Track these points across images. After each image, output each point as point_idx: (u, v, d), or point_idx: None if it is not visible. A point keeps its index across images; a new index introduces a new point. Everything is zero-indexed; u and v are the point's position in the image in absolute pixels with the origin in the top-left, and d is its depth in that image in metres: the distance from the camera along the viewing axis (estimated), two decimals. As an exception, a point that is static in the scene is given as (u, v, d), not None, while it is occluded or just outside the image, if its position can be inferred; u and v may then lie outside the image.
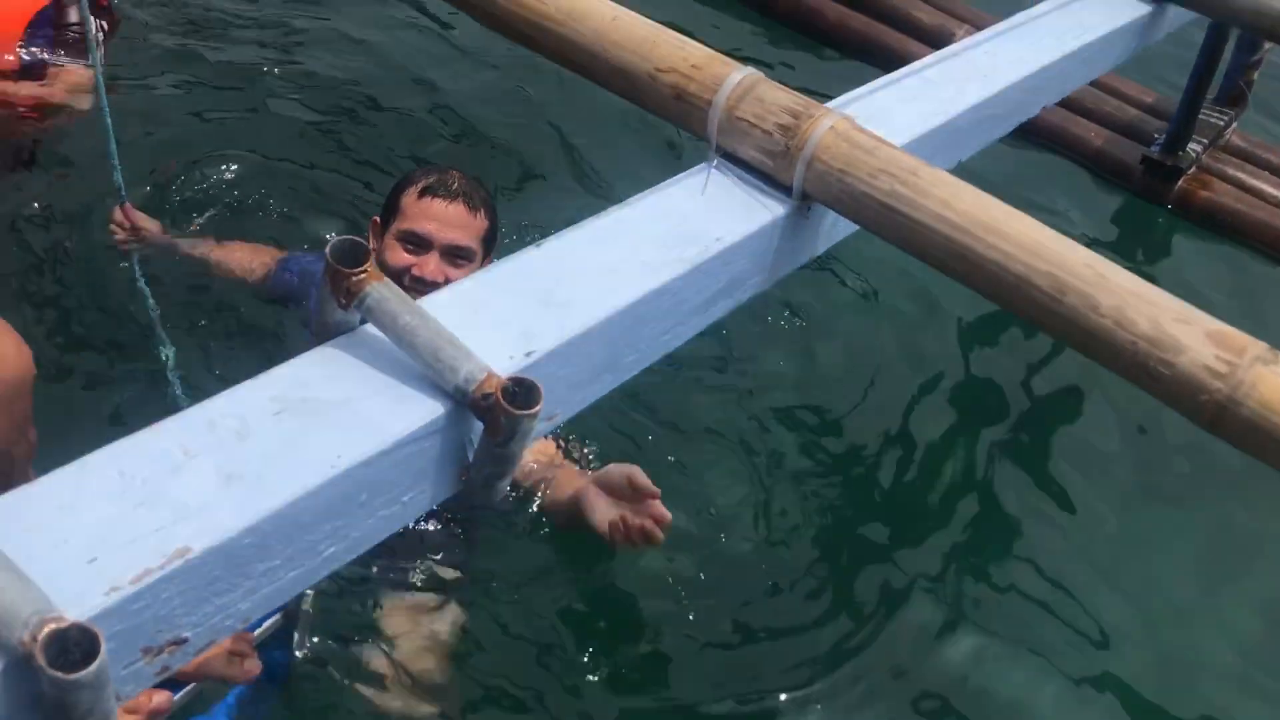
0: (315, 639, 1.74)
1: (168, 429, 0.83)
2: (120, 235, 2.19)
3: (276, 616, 1.55)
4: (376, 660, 1.78)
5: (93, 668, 0.64)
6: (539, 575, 1.91)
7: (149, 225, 2.21)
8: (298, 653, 1.67)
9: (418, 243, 1.88)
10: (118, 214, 2.17)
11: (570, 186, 2.74)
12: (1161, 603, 2.13)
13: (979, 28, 3.45)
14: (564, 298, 1.03)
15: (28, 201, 2.46)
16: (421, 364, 0.90)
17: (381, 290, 0.90)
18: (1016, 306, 1.07)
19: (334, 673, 1.74)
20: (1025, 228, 1.08)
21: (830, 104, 1.39)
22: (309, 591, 1.61)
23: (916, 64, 1.56)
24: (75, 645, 0.65)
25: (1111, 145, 3.17)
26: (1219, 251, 2.96)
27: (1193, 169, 3.06)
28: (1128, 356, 0.99)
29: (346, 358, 0.91)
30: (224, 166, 2.61)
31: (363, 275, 0.90)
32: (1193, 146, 3.05)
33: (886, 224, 1.14)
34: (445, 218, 1.87)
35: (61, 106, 2.58)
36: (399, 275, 1.84)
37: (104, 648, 0.64)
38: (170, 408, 0.85)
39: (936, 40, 3.39)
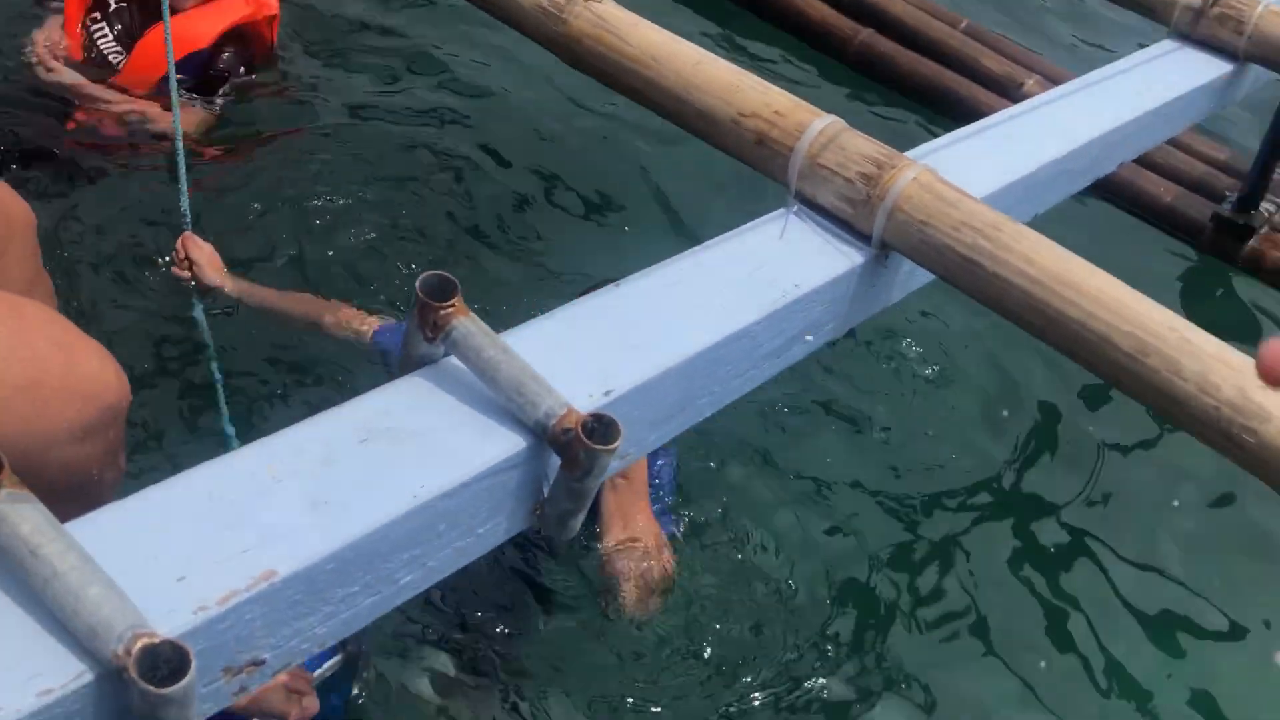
0: (374, 683, 1.74)
1: (256, 452, 0.84)
2: (179, 270, 2.15)
3: (337, 657, 1.54)
4: (432, 707, 1.78)
5: (183, 683, 0.65)
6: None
7: (205, 260, 2.14)
8: (356, 695, 1.65)
9: None
10: (179, 243, 2.13)
11: (652, 230, 2.74)
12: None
13: (1047, 77, 3.46)
14: (642, 338, 1.03)
15: (89, 215, 2.50)
16: (503, 398, 0.91)
17: (467, 325, 0.92)
18: (1096, 365, 1.06)
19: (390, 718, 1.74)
20: (1107, 286, 1.07)
21: (910, 153, 1.39)
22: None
23: (997, 116, 1.56)
24: (165, 661, 0.66)
25: (1181, 201, 3.13)
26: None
27: (1265, 228, 3.01)
28: (1211, 422, 0.98)
29: (431, 389, 0.93)
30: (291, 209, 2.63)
31: (450, 309, 0.92)
32: (1266, 206, 3.01)
33: (966, 276, 1.14)
34: None
35: (162, 134, 2.64)
36: None
37: (194, 666, 0.66)
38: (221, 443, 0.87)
39: (1005, 89, 3.38)
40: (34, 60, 2.70)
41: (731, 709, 1.88)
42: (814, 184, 1.24)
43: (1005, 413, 2.51)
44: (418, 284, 0.91)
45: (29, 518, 0.68)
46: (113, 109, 2.67)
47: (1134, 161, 3.11)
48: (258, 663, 0.78)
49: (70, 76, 2.66)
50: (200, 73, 2.72)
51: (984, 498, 2.34)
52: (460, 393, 0.93)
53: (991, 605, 2.13)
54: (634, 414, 1.00)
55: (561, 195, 2.81)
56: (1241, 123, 3.35)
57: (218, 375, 1.99)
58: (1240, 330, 2.87)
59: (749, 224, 1.25)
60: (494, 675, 1.86)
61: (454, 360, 0.94)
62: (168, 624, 0.71)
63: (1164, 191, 3.17)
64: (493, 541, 0.93)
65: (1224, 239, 3.02)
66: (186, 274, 2.14)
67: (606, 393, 0.97)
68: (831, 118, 1.26)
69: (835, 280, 1.19)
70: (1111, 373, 1.04)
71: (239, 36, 2.78)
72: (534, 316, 1.05)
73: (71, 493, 0.97)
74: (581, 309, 1.07)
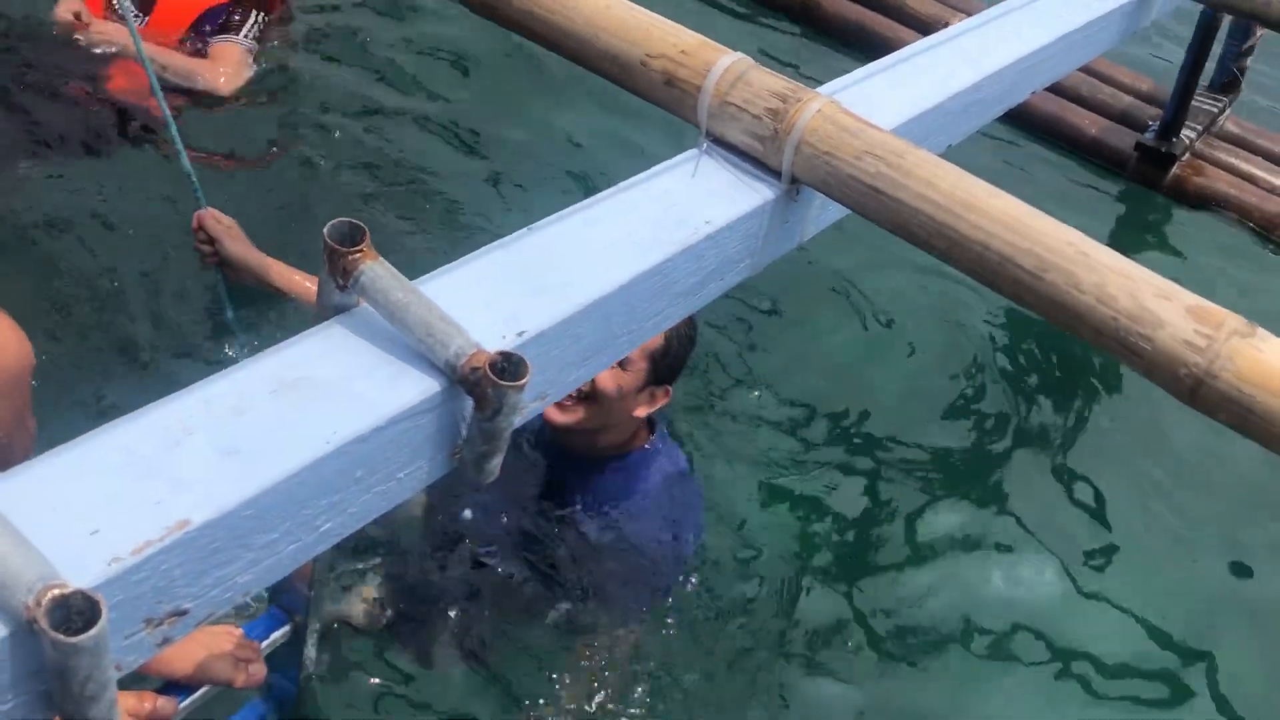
0: (325, 657, 1.73)
1: (167, 407, 0.85)
2: (203, 248, 2.09)
3: (285, 628, 1.54)
4: (389, 684, 1.79)
5: (93, 631, 0.65)
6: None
7: (226, 233, 2.08)
8: (305, 667, 1.64)
9: None
10: (195, 221, 2.07)
11: (565, 174, 2.76)
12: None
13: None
14: (556, 279, 1.04)
15: (97, 188, 2.48)
16: (414, 340, 0.92)
17: (376, 269, 0.92)
18: (999, 285, 1.08)
19: (345, 693, 1.74)
20: (1007, 206, 1.09)
21: (819, 89, 1.40)
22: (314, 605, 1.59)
23: (906, 50, 1.57)
24: (78, 613, 0.67)
25: (1107, 133, 3.19)
26: (1211, 235, 2.97)
27: (1187, 155, 3.07)
28: (1109, 332, 1.01)
29: (344, 337, 0.93)
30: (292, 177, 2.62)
31: (358, 254, 0.92)
32: (1187, 133, 3.07)
33: (872, 205, 1.16)
34: None
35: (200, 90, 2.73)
36: None
37: (105, 614, 0.66)
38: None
39: (933, 30, 3.40)
40: (66, 21, 2.76)
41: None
42: (723, 122, 1.25)
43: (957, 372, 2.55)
44: (325, 230, 0.92)
45: (-70, 476, 0.68)
46: (165, 60, 2.72)
47: (1060, 96, 3.16)
48: (180, 613, 0.79)
49: (113, 30, 2.72)
50: (221, 26, 2.82)
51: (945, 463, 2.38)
52: (373, 338, 0.94)
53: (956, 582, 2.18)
54: (550, 354, 1.01)
55: (477, 150, 2.80)
56: (1166, 51, 3.40)
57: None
58: (1162, 253, 2.93)
59: (661, 165, 1.25)
60: (437, 609, 1.88)
61: (367, 308, 0.95)
62: (81, 577, 0.71)
63: (1089, 124, 3.22)
64: (415, 485, 0.94)
65: (1148, 168, 3.08)
66: (209, 248, 2.08)
67: (520, 334, 0.98)
68: (738, 55, 1.27)
69: (747, 215, 1.20)
70: (1014, 291, 1.07)
71: None
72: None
73: None
74: (495, 254, 1.07)
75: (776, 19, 3.53)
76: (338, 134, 2.79)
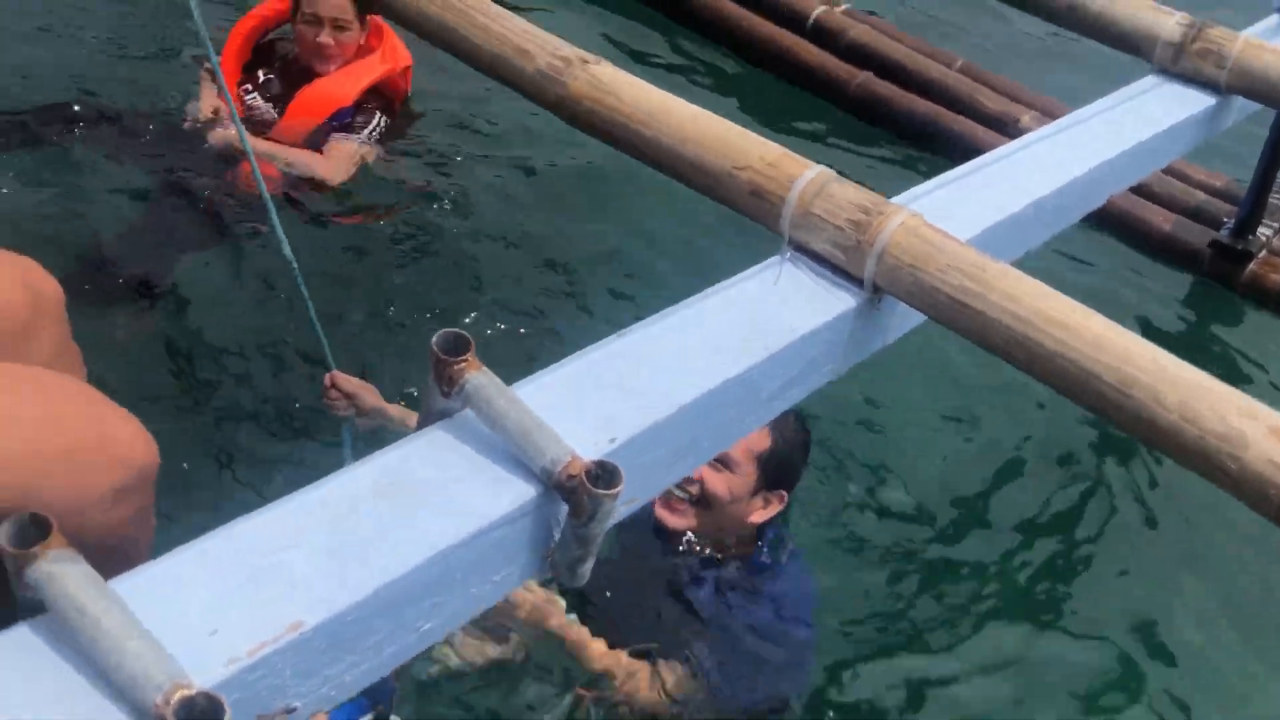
0: None
1: (280, 509, 0.89)
2: (337, 404, 2.09)
3: (368, 716, 1.56)
4: None
5: (218, 732, 0.69)
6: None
7: (359, 390, 2.08)
8: None
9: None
10: (328, 380, 2.08)
11: (648, 281, 2.80)
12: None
13: (1044, 112, 3.52)
14: (646, 385, 1.08)
15: (223, 283, 2.60)
16: (513, 447, 0.95)
17: (480, 378, 0.97)
18: (1082, 399, 1.10)
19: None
20: (1090, 322, 1.11)
21: (898, 198, 1.44)
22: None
23: (982, 158, 1.61)
24: (201, 712, 0.70)
25: (1180, 229, 3.18)
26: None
27: (1263, 252, 3.05)
28: (1195, 451, 1.02)
29: (446, 441, 0.97)
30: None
31: (463, 364, 0.97)
32: (1263, 231, 3.05)
33: (955, 316, 1.18)
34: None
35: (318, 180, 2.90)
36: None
37: (228, 714, 0.70)
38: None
39: (1002, 125, 3.45)
40: (202, 121, 2.97)
41: None
42: (806, 231, 1.29)
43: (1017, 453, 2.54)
44: (433, 341, 0.96)
45: (75, 576, 0.73)
46: (284, 155, 2.90)
47: (1132, 192, 3.16)
48: (289, 710, 0.83)
49: (243, 132, 2.86)
50: (345, 125, 3.00)
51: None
52: (475, 444, 0.98)
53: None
54: (639, 459, 1.04)
55: (564, 254, 2.87)
56: (1236, 149, 3.40)
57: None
58: (1241, 357, 2.90)
59: (746, 272, 1.29)
60: None
61: (469, 413, 0.99)
62: (203, 675, 0.75)
63: (1162, 220, 3.21)
64: (508, 587, 0.97)
65: (1223, 265, 3.06)
66: (342, 402, 2.08)
67: (611, 440, 1.01)
68: (820, 168, 1.31)
69: (830, 323, 1.24)
70: (1098, 406, 1.08)
71: (378, 90, 3.05)
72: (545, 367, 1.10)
73: (107, 552, 1.02)
74: (588, 359, 1.11)
75: (848, 116, 3.59)
76: (437, 237, 2.88)
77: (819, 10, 3.79)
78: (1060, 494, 2.48)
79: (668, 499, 1.95)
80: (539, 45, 1.54)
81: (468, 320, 2.59)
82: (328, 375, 2.10)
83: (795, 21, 3.79)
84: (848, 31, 3.72)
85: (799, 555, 2.05)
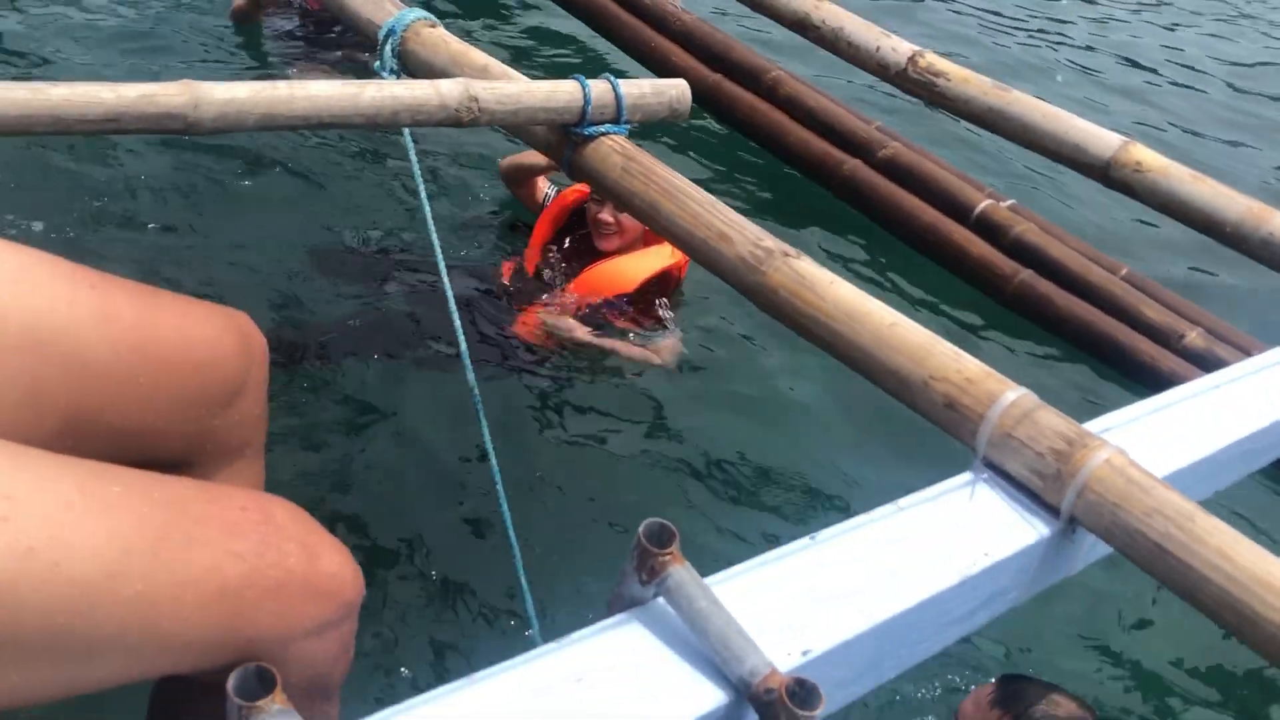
0: None
1: (472, 691, 0.89)
2: None
3: None
4: None
5: None
6: None
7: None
8: None
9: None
10: None
11: (835, 481, 2.77)
12: None
13: (1210, 330, 3.45)
14: (839, 598, 1.07)
15: None
16: (709, 649, 0.95)
17: (682, 573, 0.97)
18: (1298, 672, 1.05)
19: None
20: (1310, 591, 1.07)
21: (1096, 422, 1.42)
22: None
23: (1176, 391, 1.58)
24: None
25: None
26: None
27: None
28: None
29: (642, 632, 0.98)
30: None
31: (668, 556, 0.98)
32: None
33: (1157, 564, 1.15)
34: None
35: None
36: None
37: None
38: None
39: (1165, 338, 3.39)
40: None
41: None
42: (1003, 453, 1.28)
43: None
44: (640, 529, 0.98)
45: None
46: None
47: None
48: None
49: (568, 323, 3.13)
50: (626, 311, 3.19)
51: None
52: (669, 639, 0.98)
53: None
54: (828, 673, 1.03)
55: (751, 450, 2.86)
56: None
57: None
58: None
59: (938, 485, 1.28)
60: None
61: (662, 603, 1.00)
62: None
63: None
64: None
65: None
66: None
67: (805, 652, 1.00)
68: (1022, 390, 1.31)
69: (1023, 551, 1.21)
70: (1314, 682, 1.03)
71: (660, 280, 3.20)
72: (733, 563, 1.10)
73: (304, 684, 1.04)
74: (781, 561, 1.11)
75: (1005, 310, 3.58)
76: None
77: (984, 204, 3.82)
78: None
79: None
80: (741, 233, 1.59)
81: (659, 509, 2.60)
82: None
83: (960, 212, 3.83)
84: (1012, 228, 3.74)
85: None
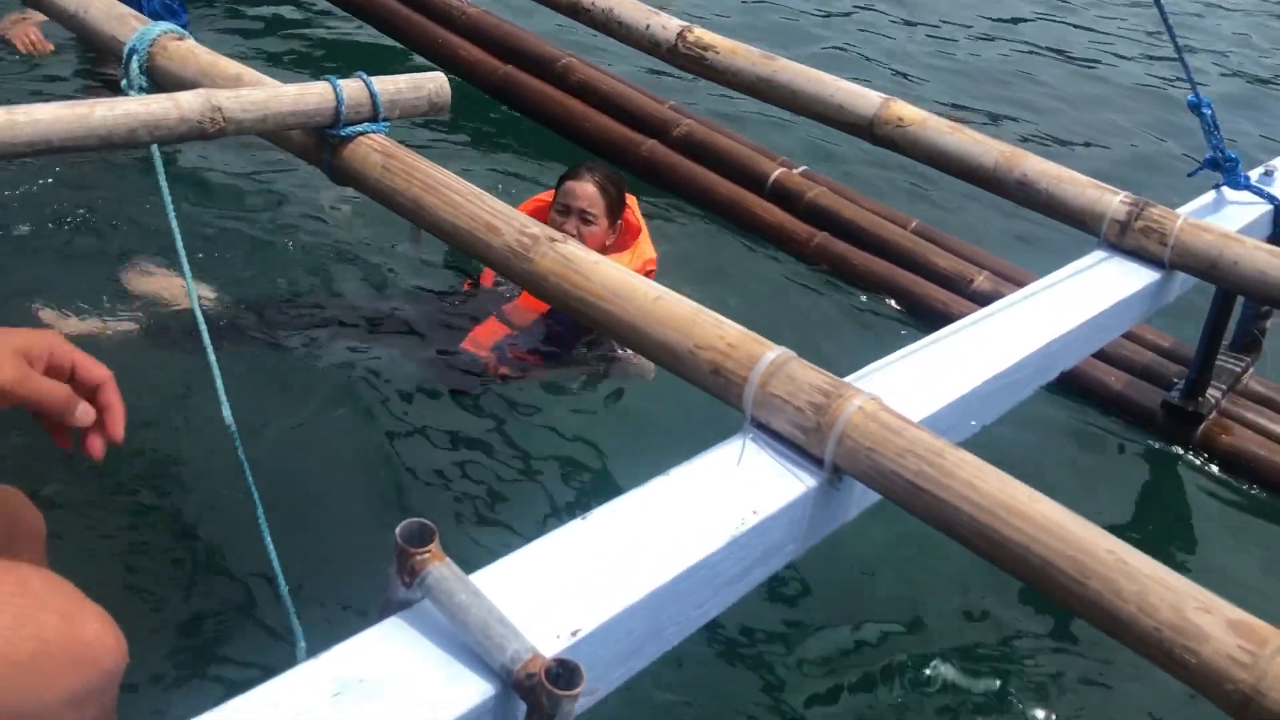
0: None
1: (228, 714, 0.87)
2: None
3: None
4: None
5: None
6: None
7: None
8: None
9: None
10: None
11: (611, 456, 2.79)
12: None
13: (996, 272, 3.62)
14: (608, 574, 1.08)
15: None
16: (473, 642, 0.94)
17: (442, 570, 0.96)
18: (1042, 587, 1.11)
19: None
20: (1049, 510, 1.13)
21: (855, 375, 1.47)
22: None
23: (938, 334, 1.65)
24: None
25: (1131, 389, 3.25)
26: (1240, 497, 2.98)
27: (1213, 414, 3.12)
28: (1153, 643, 1.03)
29: (406, 635, 0.96)
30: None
31: (427, 555, 0.96)
32: (1212, 392, 3.12)
33: (914, 500, 1.20)
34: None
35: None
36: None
37: None
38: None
39: (955, 285, 3.54)
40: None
41: None
42: (767, 411, 1.31)
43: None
44: (397, 531, 0.96)
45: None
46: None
47: (1083, 352, 3.24)
48: None
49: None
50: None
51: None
52: (434, 637, 0.97)
53: None
54: (602, 651, 1.04)
55: (530, 442, 2.85)
56: (1180, 307, 3.50)
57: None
58: (1194, 517, 2.93)
59: (707, 451, 1.31)
60: None
61: (428, 605, 0.98)
62: None
63: (1114, 380, 3.28)
64: (465, 787, 0.95)
65: (1175, 425, 3.12)
66: None
67: (574, 632, 1.00)
68: (780, 349, 1.34)
69: (792, 504, 1.25)
70: (1057, 595, 1.09)
71: None
72: (507, 552, 1.10)
73: None
74: (549, 544, 1.11)
75: (812, 269, 3.68)
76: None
77: (778, 172, 3.92)
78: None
79: None
80: (508, 222, 1.59)
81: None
82: None
83: (755, 181, 3.92)
84: (805, 193, 3.84)
85: None
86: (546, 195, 3.17)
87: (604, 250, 3.08)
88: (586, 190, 2.98)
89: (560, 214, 3.00)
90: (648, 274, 3.11)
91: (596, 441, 2.82)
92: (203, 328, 1.48)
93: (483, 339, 2.97)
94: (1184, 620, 1.02)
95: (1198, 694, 1.02)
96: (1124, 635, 1.05)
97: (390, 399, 2.82)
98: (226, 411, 1.46)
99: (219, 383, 1.47)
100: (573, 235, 2.91)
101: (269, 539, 1.15)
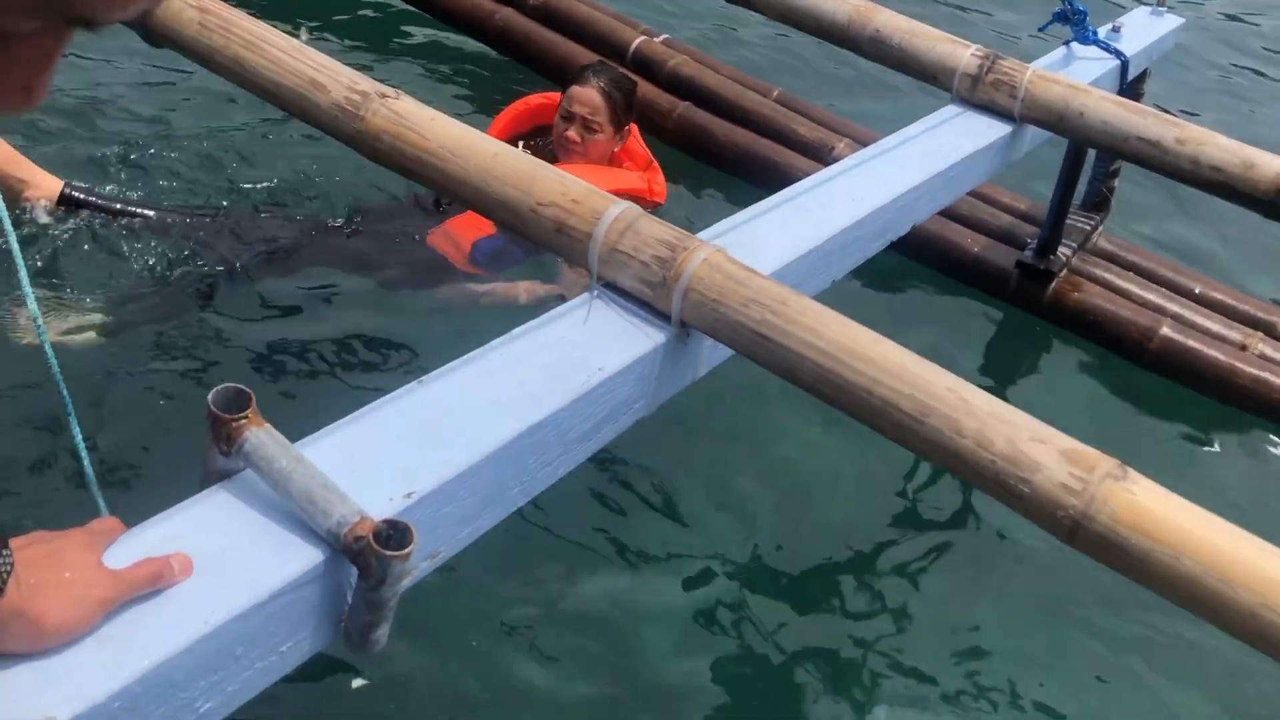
0: None
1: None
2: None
3: None
4: None
5: None
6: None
7: None
8: None
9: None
10: None
11: (461, 322, 2.72)
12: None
13: (857, 139, 3.63)
14: (447, 435, 1.04)
15: None
16: (297, 509, 0.90)
17: (260, 436, 0.91)
18: (884, 429, 1.11)
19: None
20: (890, 352, 1.13)
21: (706, 233, 1.45)
22: None
23: (788, 190, 1.63)
24: None
25: (988, 251, 3.31)
26: (1087, 360, 3.09)
27: (1064, 271, 3.21)
28: (989, 476, 1.04)
29: (227, 505, 0.91)
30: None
31: (242, 421, 0.91)
32: (1063, 250, 3.21)
33: (759, 350, 1.18)
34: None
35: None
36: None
37: None
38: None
39: (818, 153, 3.53)
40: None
41: None
42: (614, 268, 1.27)
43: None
44: (210, 397, 0.90)
45: None
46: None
47: (941, 215, 3.28)
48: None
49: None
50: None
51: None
52: (258, 506, 0.92)
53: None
54: (441, 512, 1.00)
55: (377, 306, 2.75)
56: (1039, 171, 3.56)
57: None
58: (1042, 375, 3.03)
59: (555, 310, 1.27)
60: None
61: (251, 474, 0.93)
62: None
63: (971, 243, 3.34)
64: (299, 658, 0.92)
65: (1028, 285, 3.21)
66: None
67: (408, 495, 0.97)
68: (626, 204, 1.30)
69: (639, 360, 1.22)
70: (898, 435, 1.10)
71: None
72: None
73: None
74: (385, 410, 1.07)
75: (669, 152, 3.62)
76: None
77: (639, 40, 3.82)
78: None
79: None
80: (334, 78, 1.49)
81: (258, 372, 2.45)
82: None
83: (616, 52, 3.81)
84: (667, 62, 3.76)
85: None
86: (555, 95, 3.00)
87: (611, 161, 2.95)
88: (589, 96, 2.79)
89: (564, 119, 2.84)
90: (654, 194, 2.96)
91: (466, 329, 2.76)
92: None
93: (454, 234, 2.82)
94: (1018, 452, 1.03)
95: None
96: (962, 470, 1.06)
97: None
98: (32, 304, 1.36)
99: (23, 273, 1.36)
100: (575, 143, 2.82)
101: (74, 418, 1.06)
